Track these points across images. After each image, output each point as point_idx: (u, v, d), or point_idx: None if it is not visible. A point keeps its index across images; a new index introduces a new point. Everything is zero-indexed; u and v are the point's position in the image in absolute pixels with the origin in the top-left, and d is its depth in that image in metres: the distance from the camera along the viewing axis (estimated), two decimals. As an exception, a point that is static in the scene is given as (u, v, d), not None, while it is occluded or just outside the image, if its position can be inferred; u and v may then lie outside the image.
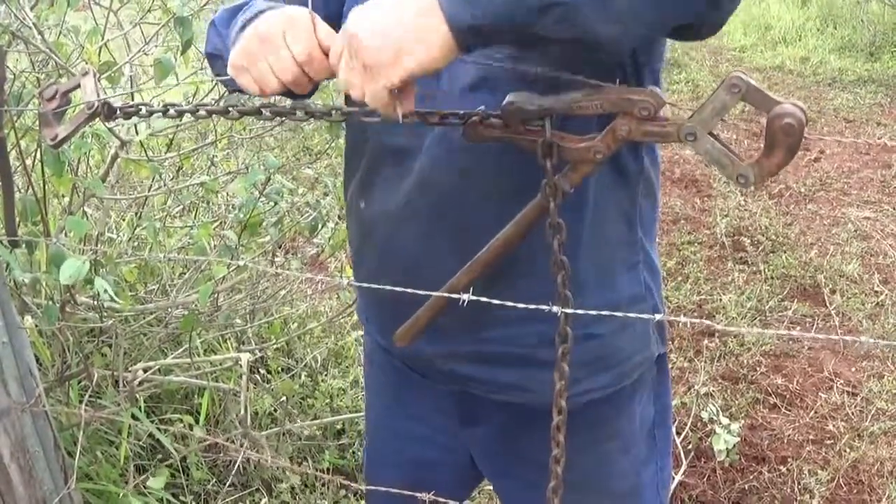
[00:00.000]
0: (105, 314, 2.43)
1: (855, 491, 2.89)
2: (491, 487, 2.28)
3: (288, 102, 1.13)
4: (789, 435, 3.17)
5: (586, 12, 0.86)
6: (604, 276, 1.29)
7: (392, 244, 1.34)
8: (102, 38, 2.29)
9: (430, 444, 1.60)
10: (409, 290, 1.23)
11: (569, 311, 0.96)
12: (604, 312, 1.09)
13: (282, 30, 1.04)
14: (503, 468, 1.56)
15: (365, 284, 1.33)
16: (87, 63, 2.16)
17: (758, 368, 3.60)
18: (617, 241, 1.30)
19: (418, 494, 1.53)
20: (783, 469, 2.99)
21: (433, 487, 1.57)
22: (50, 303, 2.22)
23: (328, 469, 2.81)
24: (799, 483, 2.91)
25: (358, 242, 1.45)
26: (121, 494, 2.31)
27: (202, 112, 1.12)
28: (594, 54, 0.95)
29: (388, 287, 1.26)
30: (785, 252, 4.66)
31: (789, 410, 3.34)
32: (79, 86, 1.26)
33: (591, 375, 1.32)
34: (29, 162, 2.19)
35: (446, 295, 1.12)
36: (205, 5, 2.23)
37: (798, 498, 2.85)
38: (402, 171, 1.25)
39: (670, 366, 3.59)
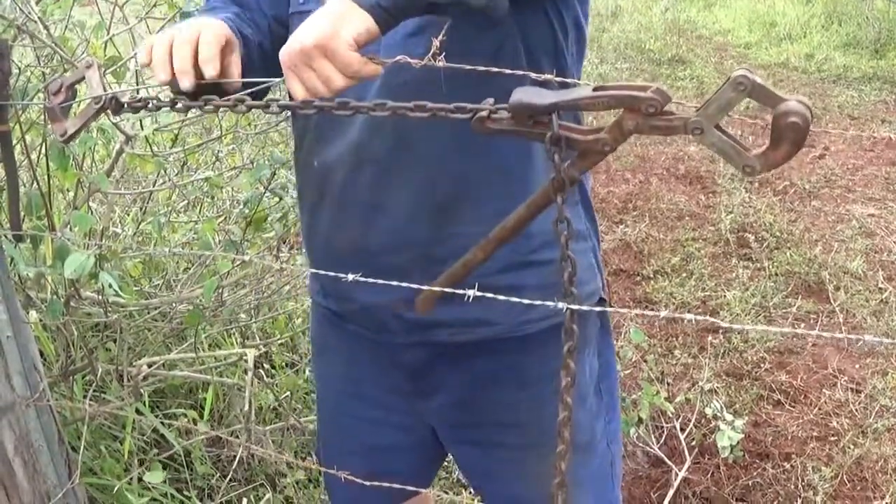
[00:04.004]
0: (109, 309, 2.44)
1: (859, 488, 2.88)
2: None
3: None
4: (793, 431, 3.17)
5: None
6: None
7: (348, 190, 1.39)
8: (108, 33, 2.29)
9: (387, 428, 1.62)
10: (367, 241, 1.38)
11: (574, 307, 0.96)
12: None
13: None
14: (462, 435, 1.59)
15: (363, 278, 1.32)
16: (90, 56, 2.16)
17: (762, 365, 3.59)
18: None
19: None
20: (787, 465, 2.99)
21: (395, 473, 1.60)
22: (54, 297, 2.22)
23: (332, 464, 2.82)
24: (803, 479, 2.91)
25: (312, 206, 1.49)
26: (125, 489, 2.31)
27: (210, 106, 1.12)
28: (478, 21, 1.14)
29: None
30: (789, 249, 4.66)
31: (793, 407, 3.33)
32: (83, 78, 1.26)
33: (547, 299, 1.34)
34: (34, 156, 2.19)
35: (446, 291, 1.11)
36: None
37: (802, 494, 2.85)
38: (351, 119, 1.34)
39: (674, 362, 3.61)
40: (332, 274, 1.29)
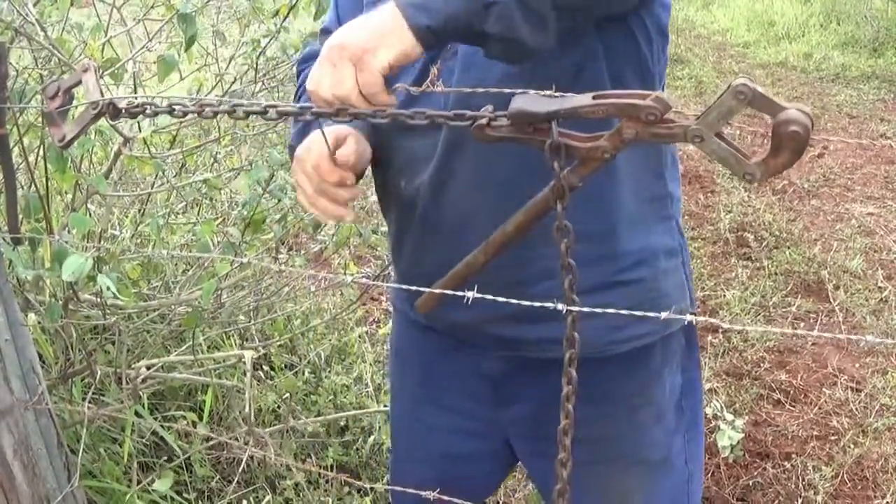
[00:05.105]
0: (108, 311, 2.43)
1: (859, 487, 2.88)
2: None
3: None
4: (793, 431, 3.17)
5: (515, 13, 1.02)
6: (636, 223, 1.38)
7: (433, 212, 1.39)
8: (105, 35, 2.29)
9: (463, 436, 1.62)
10: (452, 263, 1.29)
11: (576, 309, 0.96)
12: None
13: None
14: (537, 447, 1.58)
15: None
16: (88, 58, 2.15)
17: (762, 364, 3.59)
18: (648, 189, 1.40)
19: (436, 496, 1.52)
20: (787, 465, 2.99)
21: (466, 481, 1.59)
22: (53, 300, 2.22)
23: (332, 466, 2.82)
24: (803, 479, 2.91)
25: (398, 224, 1.50)
26: (126, 494, 2.31)
27: (207, 111, 1.11)
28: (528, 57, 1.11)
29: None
30: (789, 248, 4.66)
31: (793, 406, 3.33)
32: (80, 82, 1.25)
33: (635, 321, 1.32)
34: (32, 159, 2.19)
35: (447, 293, 1.11)
36: (208, 2, 2.22)
37: (802, 494, 2.85)
38: (433, 140, 1.34)
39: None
40: (416, 288, 1.31)
